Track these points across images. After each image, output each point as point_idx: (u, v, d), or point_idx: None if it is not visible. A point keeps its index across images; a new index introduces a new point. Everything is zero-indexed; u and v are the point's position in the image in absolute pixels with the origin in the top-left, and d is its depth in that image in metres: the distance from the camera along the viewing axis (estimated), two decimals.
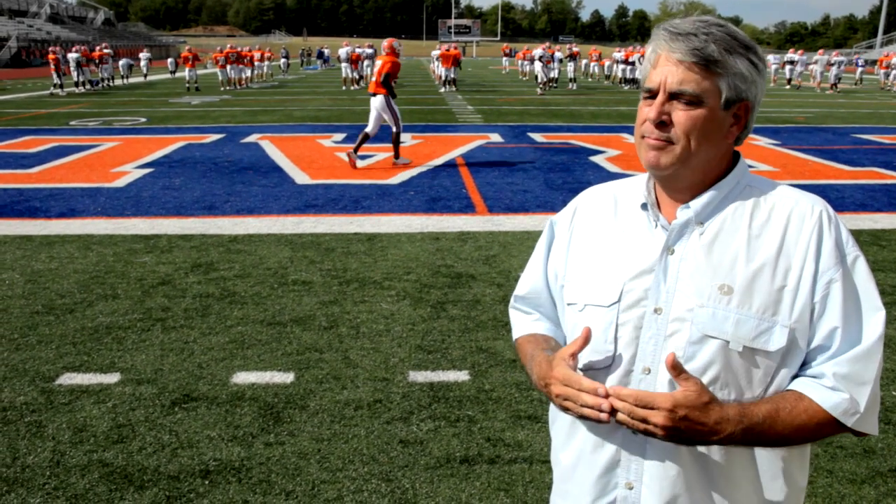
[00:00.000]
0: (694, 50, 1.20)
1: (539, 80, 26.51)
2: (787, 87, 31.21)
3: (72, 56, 26.81)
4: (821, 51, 32.98)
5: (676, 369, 1.15)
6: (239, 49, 29.98)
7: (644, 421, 1.14)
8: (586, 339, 1.23)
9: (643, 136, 1.27)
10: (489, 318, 4.63)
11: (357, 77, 29.38)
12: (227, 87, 27.55)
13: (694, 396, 1.14)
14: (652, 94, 1.25)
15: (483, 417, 3.47)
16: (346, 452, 3.16)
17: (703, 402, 1.15)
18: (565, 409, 1.23)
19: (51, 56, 25.61)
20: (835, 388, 1.19)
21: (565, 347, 1.27)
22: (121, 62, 33.32)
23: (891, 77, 32.07)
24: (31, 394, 3.68)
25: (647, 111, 1.26)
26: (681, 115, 1.22)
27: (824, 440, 3.18)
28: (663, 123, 1.23)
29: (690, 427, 1.14)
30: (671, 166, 1.24)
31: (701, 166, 1.26)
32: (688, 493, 1.25)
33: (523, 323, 1.52)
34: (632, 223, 1.33)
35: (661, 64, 1.24)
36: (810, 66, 31.31)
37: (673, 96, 1.22)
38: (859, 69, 35.07)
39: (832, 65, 29.36)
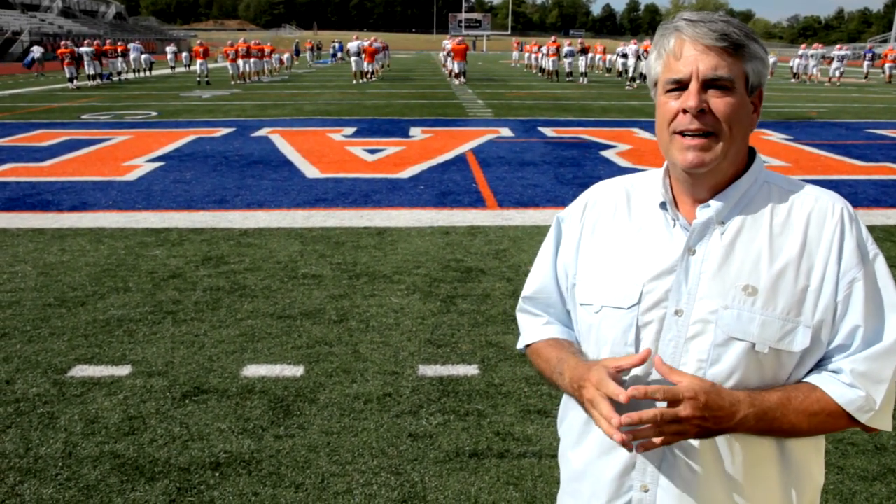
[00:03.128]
0: (722, 35, 1.17)
1: (629, 74, 27.24)
2: (793, 80, 31.39)
3: (85, 50, 27.03)
4: (816, 45, 33.19)
5: (666, 368, 1.17)
6: (249, 43, 30.11)
7: (675, 421, 1.13)
8: (642, 361, 1.19)
9: (676, 133, 1.21)
10: (499, 313, 4.63)
11: (370, 71, 29.45)
12: (238, 81, 27.63)
13: (699, 382, 1.15)
14: (681, 86, 1.20)
15: (492, 412, 3.47)
16: (355, 446, 3.17)
17: (710, 385, 1.15)
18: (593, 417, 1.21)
19: (62, 50, 25.77)
20: (852, 384, 1.18)
21: (614, 359, 1.22)
22: (143, 56, 33.77)
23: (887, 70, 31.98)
24: (43, 385, 3.70)
25: (675, 105, 1.21)
26: (720, 103, 1.18)
27: (835, 435, 3.17)
28: (703, 112, 1.19)
29: (713, 413, 1.13)
30: (714, 161, 1.21)
31: (734, 158, 1.23)
32: (706, 496, 1.24)
33: (533, 327, 1.47)
34: (649, 222, 1.30)
35: (687, 51, 1.19)
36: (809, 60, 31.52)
37: (707, 84, 1.18)
38: (866, 63, 34.89)
39: (830, 58, 29.30)
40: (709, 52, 1.18)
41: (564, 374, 1.30)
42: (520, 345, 1.51)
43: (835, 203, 1.24)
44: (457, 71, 27.98)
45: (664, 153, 1.27)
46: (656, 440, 1.16)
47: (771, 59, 30.92)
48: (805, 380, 1.22)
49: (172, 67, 35.51)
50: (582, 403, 1.25)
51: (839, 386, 1.19)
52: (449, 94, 22.23)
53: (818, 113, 17.54)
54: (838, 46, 31.25)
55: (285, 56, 37.12)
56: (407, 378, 3.80)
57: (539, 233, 6.57)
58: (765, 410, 1.17)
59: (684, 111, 1.20)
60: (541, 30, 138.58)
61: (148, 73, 33.51)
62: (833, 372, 1.21)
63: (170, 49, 36.86)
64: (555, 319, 1.45)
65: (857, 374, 1.18)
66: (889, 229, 6.86)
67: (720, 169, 1.23)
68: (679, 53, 1.21)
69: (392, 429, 3.31)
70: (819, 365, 1.23)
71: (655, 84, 1.27)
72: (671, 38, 1.22)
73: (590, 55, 30.39)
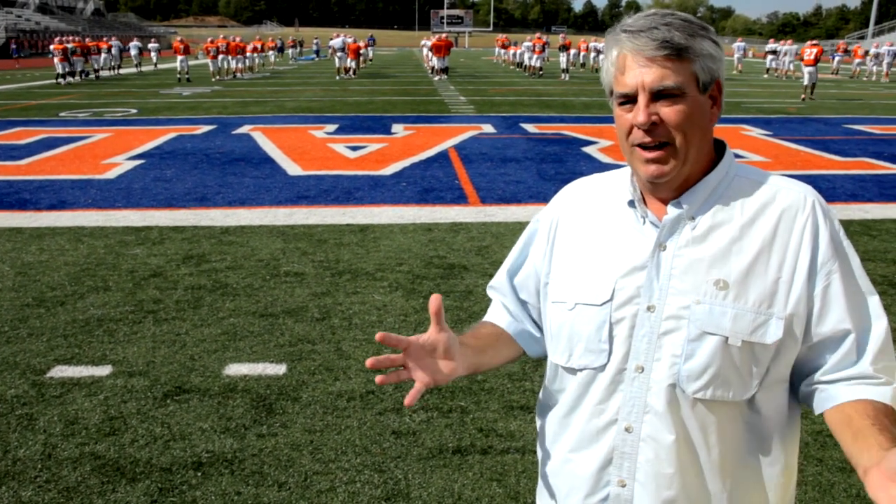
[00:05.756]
0: (663, 43, 1.16)
1: None
2: (765, 75, 32.47)
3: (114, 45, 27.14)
4: (789, 41, 34.31)
5: None
6: (230, 39, 29.98)
7: None
8: (436, 305, 1.26)
9: (634, 146, 1.22)
10: (482, 309, 4.64)
11: (354, 66, 29.50)
12: (219, 78, 27.44)
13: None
14: (630, 99, 1.21)
15: (475, 408, 3.48)
16: (338, 444, 3.16)
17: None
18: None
19: (57, 46, 25.56)
20: (887, 382, 1.19)
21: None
22: (132, 50, 33.65)
23: (868, 65, 32.61)
24: (21, 387, 3.66)
25: (629, 117, 1.21)
26: (670, 112, 1.18)
27: (814, 427, 3.19)
28: (654, 125, 1.19)
29: None
30: (674, 170, 1.21)
31: (696, 159, 1.23)
32: (683, 490, 1.25)
33: (491, 308, 1.55)
34: (619, 219, 1.30)
35: (631, 66, 1.19)
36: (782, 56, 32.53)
37: (656, 95, 1.18)
38: (836, 58, 35.62)
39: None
40: (652, 63, 1.17)
41: None
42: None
43: (806, 195, 1.25)
44: (438, 67, 27.96)
45: (628, 163, 1.28)
46: None
47: (738, 44, 31.48)
48: (856, 399, 1.17)
49: (137, 65, 35.13)
50: None
51: (879, 389, 1.18)
52: (431, 91, 22.20)
53: (796, 109, 17.72)
54: (809, 43, 31.83)
55: (270, 53, 36.92)
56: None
57: (522, 229, 6.53)
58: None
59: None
60: (523, 26, 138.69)
61: (140, 69, 33.60)
62: (861, 378, 1.19)
63: (133, 44, 35.97)
64: (505, 309, 1.51)
65: (883, 371, 1.19)
66: (867, 223, 6.95)
67: (684, 172, 1.23)
68: (623, 67, 1.21)
69: (375, 426, 3.31)
70: (825, 363, 1.21)
71: (611, 93, 1.26)
72: (614, 50, 1.22)
73: (572, 51, 30.49)
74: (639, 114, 1.19)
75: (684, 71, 1.18)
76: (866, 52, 34.03)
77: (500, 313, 1.50)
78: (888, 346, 1.21)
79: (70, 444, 3.15)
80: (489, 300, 1.59)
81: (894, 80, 31.12)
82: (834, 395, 1.21)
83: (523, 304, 1.47)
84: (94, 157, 10.42)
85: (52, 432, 3.24)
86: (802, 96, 20.26)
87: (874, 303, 1.22)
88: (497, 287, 1.54)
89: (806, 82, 20.39)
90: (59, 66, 25.36)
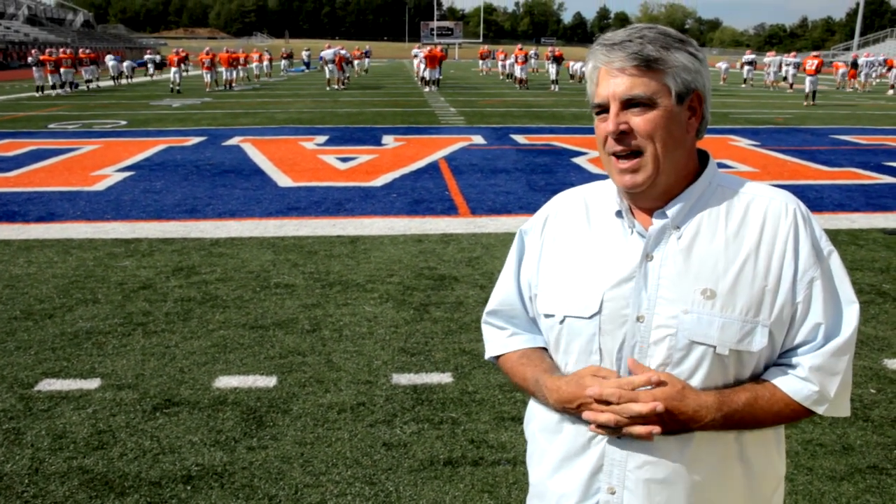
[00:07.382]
0: (632, 55, 1.21)
1: None
2: (743, 85, 33.14)
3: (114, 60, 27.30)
4: (771, 52, 35.09)
5: (640, 368, 1.23)
6: (222, 51, 30.11)
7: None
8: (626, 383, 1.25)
9: (610, 155, 1.26)
10: (472, 320, 4.64)
11: (345, 77, 29.64)
12: (215, 88, 27.47)
13: (667, 390, 1.20)
14: (604, 109, 1.25)
15: (466, 419, 3.47)
16: (329, 456, 3.15)
17: (677, 392, 1.20)
18: (615, 428, 1.22)
19: (45, 57, 25.49)
20: (807, 378, 1.23)
21: (594, 369, 1.27)
22: (125, 63, 33.84)
23: (859, 77, 33.09)
24: (9, 400, 3.63)
25: (604, 126, 1.25)
26: (640, 121, 1.22)
27: (804, 436, 3.21)
28: (624, 133, 1.23)
29: (672, 418, 1.19)
30: (648, 180, 1.24)
31: (673, 169, 1.26)
32: (672, 497, 1.26)
33: (498, 339, 1.49)
34: (606, 230, 1.32)
35: (604, 78, 1.24)
36: (764, 66, 33.20)
37: (626, 105, 1.22)
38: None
39: (787, 65, 30.45)
40: (623, 74, 1.22)
41: (549, 398, 1.32)
42: (486, 356, 1.53)
43: (787, 203, 1.27)
44: (429, 79, 28.04)
45: (607, 172, 1.31)
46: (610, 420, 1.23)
47: (722, 66, 32.81)
48: (765, 376, 1.26)
49: (129, 76, 35.17)
50: (578, 416, 1.28)
51: (795, 381, 1.24)
52: (421, 102, 22.26)
53: (784, 119, 17.86)
54: (792, 54, 32.33)
55: (265, 64, 36.99)
56: (381, 387, 3.79)
57: (512, 240, 6.58)
58: (732, 413, 1.21)
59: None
60: (513, 37, 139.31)
61: (131, 80, 33.79)
62: (789, 366, 1.25)
63: (148, 57, 36.93)
64: (520, 330, 1.46)
65: (813, 369, 1.23)
66: (854, 233, 7.00)
67: (660, 182, 1.26)
68: (597, 80, 1.26)
69: (366, 438, 3.30)
70: (781, 357, 1.27)
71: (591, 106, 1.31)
72: (591, 63, 1.28)
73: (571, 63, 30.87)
74: (609, 122, 1.24)
75: (655, 82, 1.21)
76: (844, 63, 34.62)
77: (521, 339, 1.46)
78: (841, 357, 1.24)
79: (58, 458, 3.12)
80: (480, 310, 1.59)
81: (875, 90, 31.51)
82: (766, 373, 1.28)
83: (533, 320, 1.46)
84: (83, 168, 10.38)
85: (39, 446, 3.21)
86: (805, 102, 22.49)
87: (850, 312, 1.25)
88: (500, 310, 1.49)
89: (807, 90, 22.72)
90: (49, 77, 25.28)
